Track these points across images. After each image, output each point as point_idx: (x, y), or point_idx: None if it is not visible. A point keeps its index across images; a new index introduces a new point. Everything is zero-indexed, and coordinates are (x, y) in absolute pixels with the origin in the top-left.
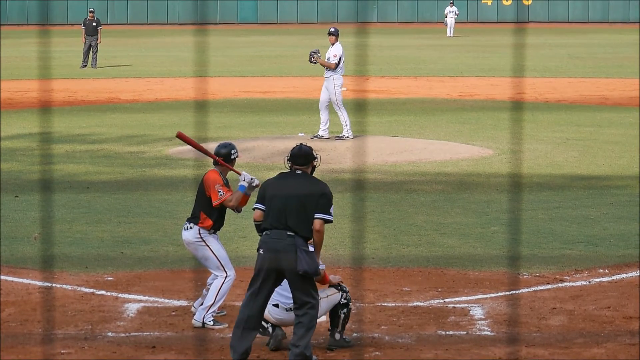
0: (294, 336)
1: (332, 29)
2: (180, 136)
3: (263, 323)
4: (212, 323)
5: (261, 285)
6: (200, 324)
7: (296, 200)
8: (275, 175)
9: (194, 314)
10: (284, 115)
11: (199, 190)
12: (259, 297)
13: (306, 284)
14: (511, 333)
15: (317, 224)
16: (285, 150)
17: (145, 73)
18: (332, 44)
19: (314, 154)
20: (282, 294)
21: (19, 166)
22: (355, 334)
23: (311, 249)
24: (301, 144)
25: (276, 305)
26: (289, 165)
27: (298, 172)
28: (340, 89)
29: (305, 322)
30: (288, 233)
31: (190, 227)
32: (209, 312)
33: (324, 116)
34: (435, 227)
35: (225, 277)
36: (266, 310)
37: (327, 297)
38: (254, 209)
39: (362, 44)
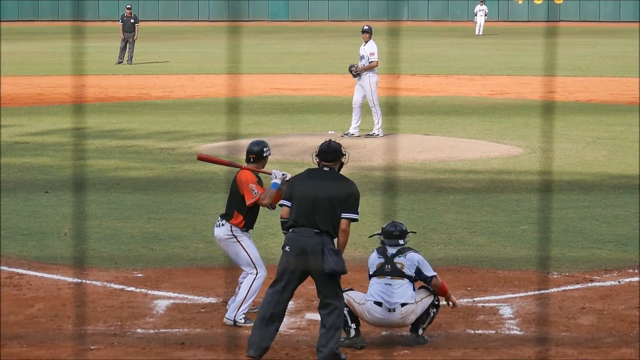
0: (322, 337)
1: (366, 27)
2: (202, 158)
3: (348, 320)
4: (243, 321)
5: (286, 283)
6: (232, 322)
7: (324, 198)
8: (303, 171)
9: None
10: (314, 113)
11: (231, 189)
12: (284, 295)
13: (333, 284)
14: (540, 332)
15: (343, 223)
16: (315, 147)
17: (176, 70)
18: (366, 42)
19: (343, 150)
20: (387, 292)
21: (49, 161)
22: (384, 333)
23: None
24: (330, 140)
25: (378, 304)
26: (317, 161)
27: (325, 169)
28: (376, 86)
29: (332, 322)
30: (315, 231)
31: (222, 224)
32: (240, 310)
33: (356, 114)
34: (465, 225)
35: (256, 274)
36: (361, 306)
37: (421, 301)
38: (280, 206)
39: (393, 42)
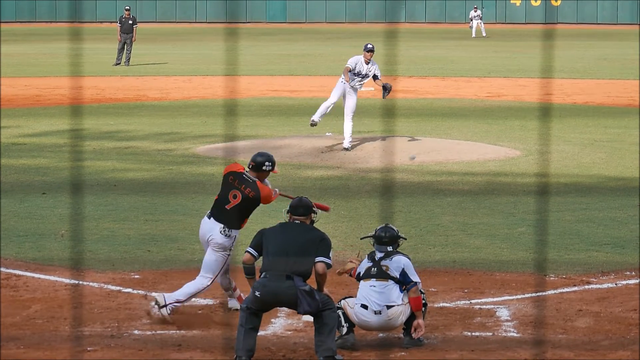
0: (319, 335)
1: (370, 45)
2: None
3: (342, 320)
4: (168, 312)
5: (258, 311)
6: (163, 302)
7: (296, 244)
8: (275, 225)
9: (230, 308)
10: (312, 115)
11: (247, 203)
12: (257, 320)
13: (312, 308)
14: (537, 335)
15: (320, 267)
16: (312, 149)
17: (173, 71)
18: (368, 60)
19: (313, 208)
20: (373, 294)
21: (46, 163)
22: (380, 335)
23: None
24: (301, 196)
25: (364, 307)
26: (288, 216)
27: (297, 222)
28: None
29: (328, 322)
30: (287, 275)
31: (228, 235)
32: (174, 304)
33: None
34: (462, 227)
35: (209, 284)
36: (352, 310)
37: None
38: (245, 252)
39: (390, 43)
